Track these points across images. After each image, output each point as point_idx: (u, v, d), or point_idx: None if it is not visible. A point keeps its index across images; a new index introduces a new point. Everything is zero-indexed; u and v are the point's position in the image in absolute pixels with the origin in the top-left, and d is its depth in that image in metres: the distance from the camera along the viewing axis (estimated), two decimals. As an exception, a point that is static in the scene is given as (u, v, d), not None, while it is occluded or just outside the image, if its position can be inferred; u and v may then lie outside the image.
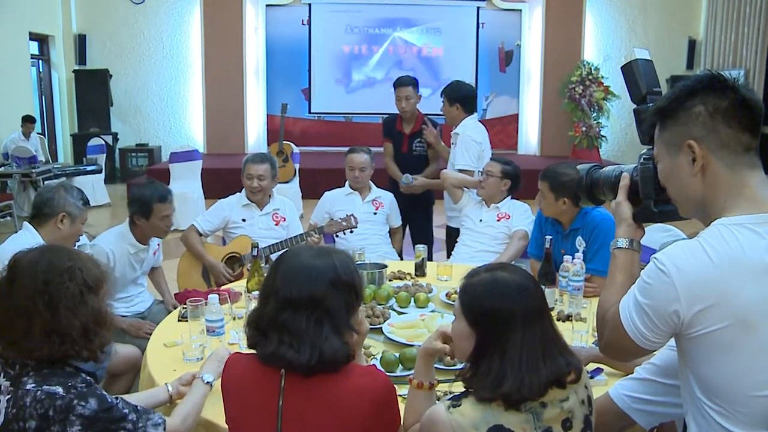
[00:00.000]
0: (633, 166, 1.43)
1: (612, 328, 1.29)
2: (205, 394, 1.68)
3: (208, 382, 1.70)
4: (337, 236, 3.40)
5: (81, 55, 10.19)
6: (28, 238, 2.46)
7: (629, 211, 1.40)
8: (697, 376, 1.23)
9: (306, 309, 1.34)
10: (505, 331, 1.24)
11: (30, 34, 9.17)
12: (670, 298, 1.17)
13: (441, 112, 3.92)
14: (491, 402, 1.22)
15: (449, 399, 1.26)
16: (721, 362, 1.18)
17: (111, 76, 10.23)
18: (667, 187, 1.31)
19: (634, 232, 1.39)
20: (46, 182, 2.16)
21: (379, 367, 1.83)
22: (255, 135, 10.73)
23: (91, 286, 1.49)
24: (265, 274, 1.48)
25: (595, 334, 1.48)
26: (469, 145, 3.72)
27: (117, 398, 1.47)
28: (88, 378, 1.46)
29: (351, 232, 3.29)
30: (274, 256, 3.35)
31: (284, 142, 7.61)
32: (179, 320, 2.38)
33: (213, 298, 2.12)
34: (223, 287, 2.84)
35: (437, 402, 1.43)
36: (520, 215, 3.35)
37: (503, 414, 1.21)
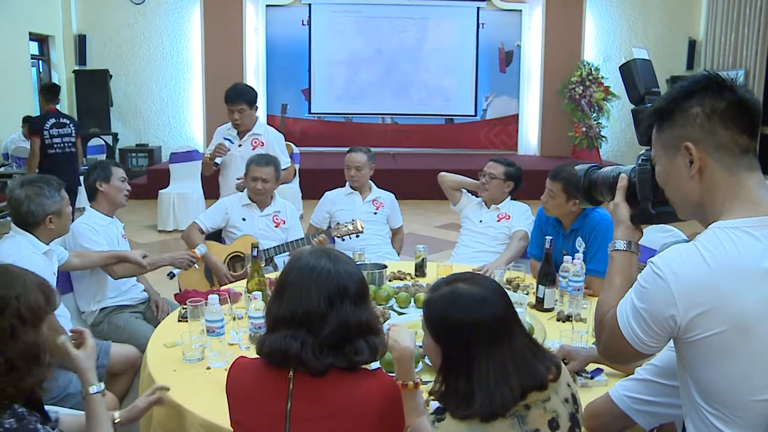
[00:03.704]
0: (631, 167, 1.42)
1: (610, 331, 1.28)
2: (103, 406, 1.57)
3: (96, 393, 1.57)
4: (342, 239, 3.39)
5: (81, 56, 10.18)
6: (21, 242, 2.45)
7: (627, 213, 1.40)
8: (696, 380, 1.23)
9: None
10: (469, 345, 1.21)
11: (30, 34, 9.15)
12: (667, 302, 1.16)
13: (238, 120, 4.05)
14: (467, 419, 1.19)
15: (432, 413, 1.25)
16: (719, 367, 1.18)
17: (111, 76, 10.22)
18: (664, 188, 1.30)
19: (632, 233, 1.38)
20: (9, 188, 2.13)
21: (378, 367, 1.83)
22: (255, 135, 10.72)
23: (26, 318, 1.31)
24: (273, 275, 1.47)
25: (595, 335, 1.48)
26: (283, 143, 4.12)
27: None
28: (21, 411, 1.30)
29: (357, 236, 3.29)
30: (277, 258, 3.34)
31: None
32: (179, 320, 2.39)
33: (213, 298, 2.12)
34: (223, 287, 2.85)
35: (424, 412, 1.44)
36: (520, 216, 3.35)
37: (486, 425, 1.18)
